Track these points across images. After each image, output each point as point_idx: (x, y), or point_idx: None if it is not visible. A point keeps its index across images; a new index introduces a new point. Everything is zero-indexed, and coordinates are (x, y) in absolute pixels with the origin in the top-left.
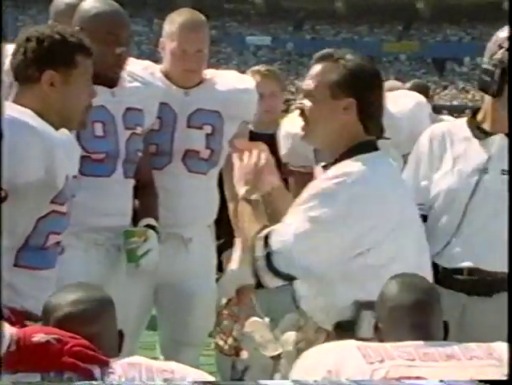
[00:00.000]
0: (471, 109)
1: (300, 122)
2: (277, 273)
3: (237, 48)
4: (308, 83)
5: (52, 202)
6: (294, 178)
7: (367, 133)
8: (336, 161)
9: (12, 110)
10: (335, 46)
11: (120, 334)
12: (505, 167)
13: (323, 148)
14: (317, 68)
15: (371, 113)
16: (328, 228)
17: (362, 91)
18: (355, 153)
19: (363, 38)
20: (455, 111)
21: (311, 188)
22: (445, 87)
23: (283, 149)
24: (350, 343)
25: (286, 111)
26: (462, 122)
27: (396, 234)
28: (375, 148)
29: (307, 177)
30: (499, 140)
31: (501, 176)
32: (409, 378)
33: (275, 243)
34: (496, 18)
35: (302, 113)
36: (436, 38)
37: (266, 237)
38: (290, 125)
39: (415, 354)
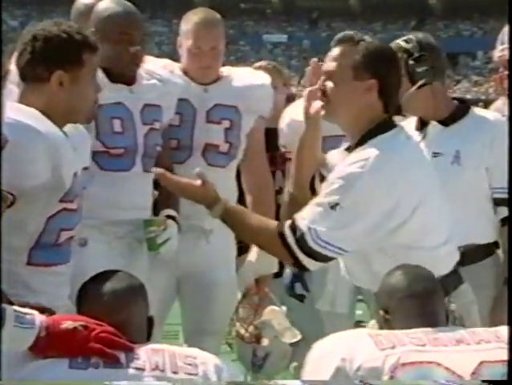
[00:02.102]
0: (484, 102)
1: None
2: (311, 255)
3: (254, 46)
4: (329, 65)
5: (61, 201)
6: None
7: (385, 112)
8: (358, 144)
9: (15, 112)
10: None
11: (150, 321)
12: (437, 150)
13: (345, 128)
14: (338, 50)
15: (390, 93)
16: (349, 213)
17: (382, 71)
18: (374, 135)
19: (377, 35)
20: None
21: (335, 172)
22: (459, 81)
23: (287, 136)
24: (361, 331)
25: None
26: (413, 120)
27: (421, 210)
28: (393, 126)
29: None
30: (431, 127)
31: (432, 159)
32: (421, 363)
33: (303, 226)
34: (507, 12)
35: (324, 93)
36: (449, 33)
37: (293, 224)
38: (295, 112)
39: (425, 340)
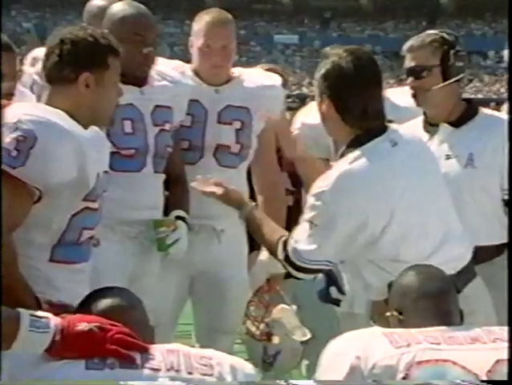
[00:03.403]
0: (496, 102)
1: (316, 113)
2: (299, 270)
3: (265, 47)
4: None
5: (85, 200)
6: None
7: (349, 126)
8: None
9: (43, 111)
10: (360, 43)
11: (151, 330)
12: (449, 152)
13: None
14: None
15: (347, 109)
16: (321, 230)
17: (334, 90)
18: (351, 149)
19: (388, 35)
20: (480, 104)
21: (310, 190)
22: (470, 81)
23: (299, 141)
24: (376, 330)
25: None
26: (419, 120)
27: (397, 222)
28: (373, 136)
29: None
30: (442, 129)
31: (444, 161)
32: (437, 361)
33: (288, 246)
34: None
35: None
36: (461, 33)
37: (286, 241)
38: (307, 117)
39: (440, 338)
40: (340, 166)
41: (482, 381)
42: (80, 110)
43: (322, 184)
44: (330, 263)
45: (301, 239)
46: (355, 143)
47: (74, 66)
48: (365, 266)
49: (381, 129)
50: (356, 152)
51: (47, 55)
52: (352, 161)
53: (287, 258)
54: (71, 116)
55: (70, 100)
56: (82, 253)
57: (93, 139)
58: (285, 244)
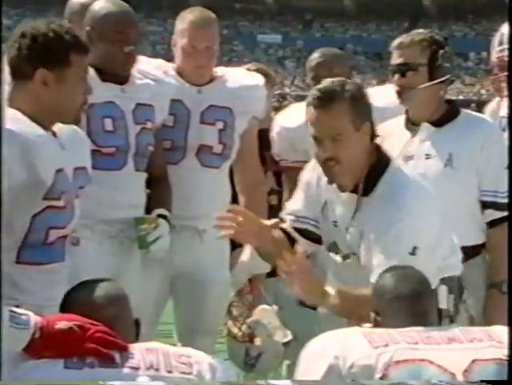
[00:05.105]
0: (476, 103)
1: (295, 116)
2: None
3: (248, 46)
4: (331, 127)
5: (45, 198)
6: (288, 175)
7: (372, 144)
8: (367, 183)
9: None
10: (343, 44)
11: (137, 323)
12: (429, 152)
13: (348, 178)
14: (330, 113)
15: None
16: (427, 249)
17: (370, 110)
18: (381, 171)
19: (370, 35)
20: (461, 105)
21: (380, 229)
22: (452, 82)
23: (278, 145)
24: (355, 330)
25: (279, 107)
26: (401, 118)
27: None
28: (388, 156)
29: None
30: (423, 128)
31: (424, 161)
32: (414, 360)
33: None
34: (500, 13)
35: (332, 160)
36: (442, 34)
37: None
38: (285, 120)
39: (418, 338)
40: (398, 190)
41: (482, 381)
42: (39, 107)
43: (395, 214)
44: None
45: None
46: (379, 167)
47: (30, 61)
48: None
49: None
50: (391, 172)
51: (9, 49)
52: (399, 182)
53: None
54: (31, 113)
55: (28, 97)
56: (52, 253)
57: (60, 136)
58: None
